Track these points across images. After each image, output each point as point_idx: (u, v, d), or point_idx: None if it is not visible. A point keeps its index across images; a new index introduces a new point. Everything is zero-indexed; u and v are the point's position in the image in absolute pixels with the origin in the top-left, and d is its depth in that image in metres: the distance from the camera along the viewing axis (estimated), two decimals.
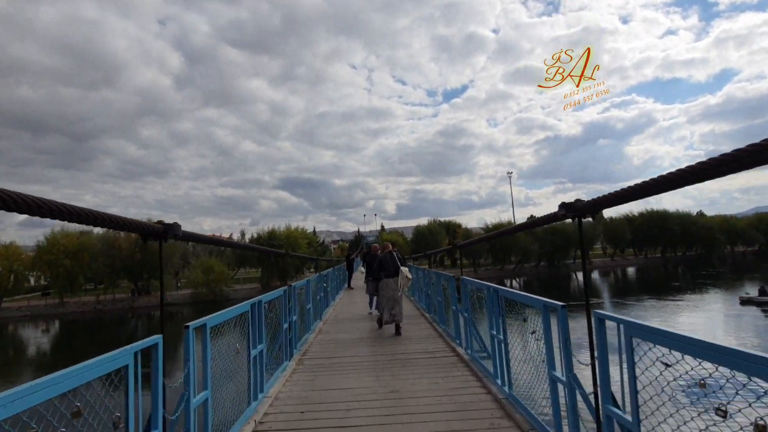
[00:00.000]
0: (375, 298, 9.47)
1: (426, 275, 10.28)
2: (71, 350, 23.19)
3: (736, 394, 1.43)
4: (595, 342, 2.29)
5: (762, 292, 22.38)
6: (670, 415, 1.72)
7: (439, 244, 48.29)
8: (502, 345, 4.01)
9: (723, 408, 1.41)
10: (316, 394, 4.59)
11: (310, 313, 8.31)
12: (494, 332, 4.23)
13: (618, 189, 2.16)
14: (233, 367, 3.84)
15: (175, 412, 2.72)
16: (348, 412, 3.97)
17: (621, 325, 2.04)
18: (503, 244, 48.92)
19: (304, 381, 5.11)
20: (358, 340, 7.43)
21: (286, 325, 5.86)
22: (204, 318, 3.17)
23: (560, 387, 2.79)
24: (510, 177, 73.18)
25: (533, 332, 3.12)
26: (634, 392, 1.91)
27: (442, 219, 61.84)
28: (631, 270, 51.96)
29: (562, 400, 2.81)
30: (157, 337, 2.54)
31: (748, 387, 1.43)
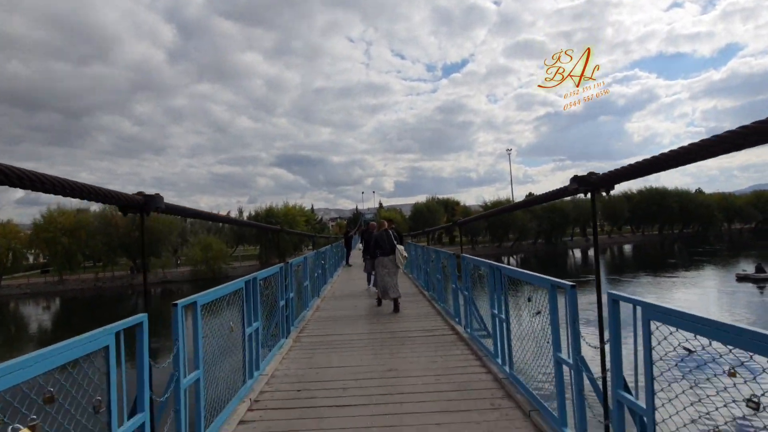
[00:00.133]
0: (373, 276, 9.41)
1: (425, 252, 10.18)
2: (71, 327, 23.35)
3: None
4: (606, 323, 2.15)
5: (759, 269, 22.50)
6: (691, 404, 1.60)
7: (438, 222, 48.25)
8: (504, 324, 3.90)
9: (755, 399, 1.28)
10: (312, 372, 4.53)
11: (307, 290, 8.24)
12: (496, 311, 4.13)
13: (633, 162, 2.11)
14: (227, 345, 3.76)
15: (164, 394, 2.62)
16: (345, 390, 3.90)
17: (638, 307, 1.90)
18: (501, 222, 48.85)
19: (301, 359, 5.06)
20: (356, 318, 7.37)
21: (282, 303, 5.78)
22: (194, 295, 3.05)
23: (565, 369, 2.69)
24: (509, 154, 72.88)
25: (539, 312, 3.00)
26: (650, 378, 1.79)
27: (440, 196, 61.66)
28: (627, 247, 52.20)
29: (566, 384, 2.72)
30: (141, 316, 2.43)
31: None
